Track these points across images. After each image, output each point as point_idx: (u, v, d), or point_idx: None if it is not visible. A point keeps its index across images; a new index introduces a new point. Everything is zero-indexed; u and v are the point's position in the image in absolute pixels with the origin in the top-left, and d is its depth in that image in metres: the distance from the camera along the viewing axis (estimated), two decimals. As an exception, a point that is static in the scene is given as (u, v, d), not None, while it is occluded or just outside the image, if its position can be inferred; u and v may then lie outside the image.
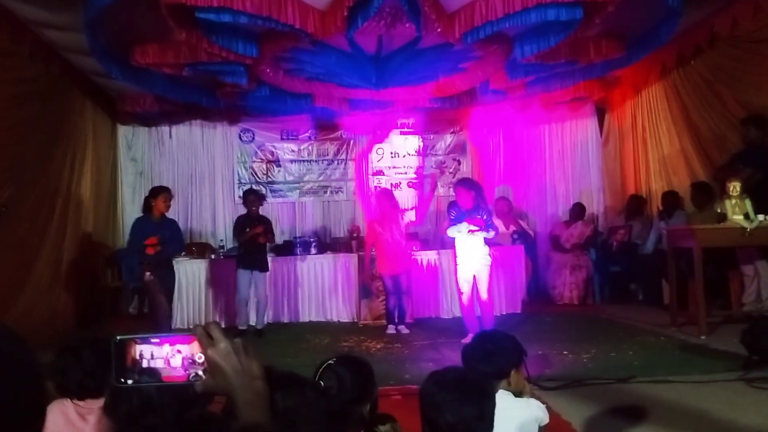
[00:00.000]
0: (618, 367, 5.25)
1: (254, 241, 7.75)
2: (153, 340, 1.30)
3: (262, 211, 8.21)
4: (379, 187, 10.63)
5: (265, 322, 8.03)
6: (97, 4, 5.59)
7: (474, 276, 6.69)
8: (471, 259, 6.68)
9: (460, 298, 6.90)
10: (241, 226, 7.84)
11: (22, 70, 6.87)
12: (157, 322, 6.63)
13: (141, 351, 1.30)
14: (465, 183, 7.09)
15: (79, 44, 6.86)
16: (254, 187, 10.33)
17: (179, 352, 1.30)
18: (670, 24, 6.69)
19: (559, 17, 6.06)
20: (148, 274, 6.53)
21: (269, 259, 8.17)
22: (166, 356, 1.30)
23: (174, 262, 7.24)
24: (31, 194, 7.18)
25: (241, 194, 10.42)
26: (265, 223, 7.95)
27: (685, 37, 7.56)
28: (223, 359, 1.16)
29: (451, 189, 10.55)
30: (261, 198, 8.46)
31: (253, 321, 7.98)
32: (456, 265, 6.91)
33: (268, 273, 8.08)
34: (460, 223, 6.66)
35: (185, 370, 1.29)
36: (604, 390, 4.63)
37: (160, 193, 6.80)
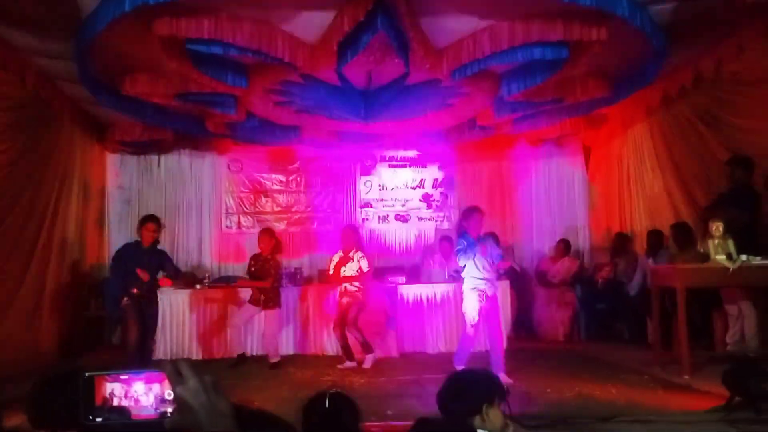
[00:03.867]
0: (601, 406, 5.22)
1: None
2: (123, 377, 1.29)
3: (250, 241, 8.18)
4: (367, 219, 10.67)
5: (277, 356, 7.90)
6: (88, 33, 5.64)
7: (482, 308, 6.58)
8: (485, 288, 6.57)
9: (465, 330, 6.72)
10: None
11: (11, 97, 6.86)
12: (127, 352, 6.58)
13: (111, 389, 1.29)
14: (479, 211, 6.77)
15: (69, 72, 6.90)
16: (241, 217, 10.37)
17: (150, 389, 1.30)
18: (655, 64, 6.80)
19: (545, 56, 6.17)
20: (125, 299, 6.50)
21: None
22: (136, 394, 1.29)
23: (159, 292, 7.20)
24: (16, 221, 7.12)
25: (228, 224, 10.47)
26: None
27: (670, 77, 7.67)
28: (192, 397, 1.15)
29: (438, 222, 10.68)
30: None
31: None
32: (462, 294, 6.71)
33: (277, 310, 7.98)
34: (472, 251, 6.51)
35: (155, 408, 1.29)
36: (586, 429, 4.60)
37: (145, 222, 6.80)
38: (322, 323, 8.59)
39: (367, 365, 7.45)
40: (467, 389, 2.49)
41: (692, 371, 6.20)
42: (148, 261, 6.70)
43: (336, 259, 7.73)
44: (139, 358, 6.55)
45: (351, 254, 7.65)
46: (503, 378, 6.17)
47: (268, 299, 7.82)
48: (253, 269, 7.91)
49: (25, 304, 7.36)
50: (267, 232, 8.09)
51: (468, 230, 6.63)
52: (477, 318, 6.53)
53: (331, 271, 7.78)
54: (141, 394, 1.31)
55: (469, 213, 6.77)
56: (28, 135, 7.29)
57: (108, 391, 1.32)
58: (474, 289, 6.57)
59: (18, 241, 7.22)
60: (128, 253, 6.73)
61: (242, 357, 7.93)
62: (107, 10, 5.30)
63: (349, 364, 7.52)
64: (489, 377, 2.65)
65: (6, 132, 6.86)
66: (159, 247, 7.01)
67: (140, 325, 6.60)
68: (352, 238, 7.77)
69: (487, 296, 6.55)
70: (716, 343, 7.23)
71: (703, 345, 7.24)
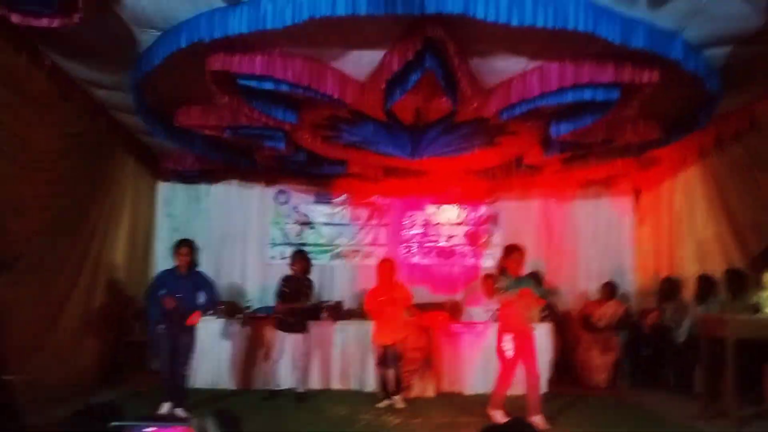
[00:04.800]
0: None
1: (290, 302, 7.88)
2: (147, 429, 1.30)
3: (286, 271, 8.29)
4: (410, 254, 10.64)
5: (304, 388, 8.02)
6: (144, 67, 5.81)
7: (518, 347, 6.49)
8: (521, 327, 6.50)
9: (504, 370, 6.58)
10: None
11: (68, 125, 7.09)
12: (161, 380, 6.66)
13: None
14: (519, 250, 6.72)
15: (125, 103, 7.12)
16: (286, 248, 10.44)
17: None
18: (709, 107, 6.67)
19: (595, 97, 6.10)
20: (160, 326, 6.58)
21: None
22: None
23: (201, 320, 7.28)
24: (64, 245, 7.30)
25: (272, 255, 10.55)
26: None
27: (724, 120, 7.51)
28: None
29: (483, 260, 10.57)
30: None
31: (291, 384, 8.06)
32: (501, 334, 6.61)
33: (305, 334, 8.06)
34: (512, 290, 6.47)
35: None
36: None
37: (178, 247, 6.89)
38: (360, 358, 8.54)
39: (401, 404, 7.40)
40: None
41: (739, 426, 5.97)
42: (185, 286, 6.76)
43: (378, 291, 7.71)
44: (169, 385, 6.60)
45: (396, 291, 7.63)
46: (538, 421, 6.06)
47: (297, 322, 7.90)
48: (286, 290, 7.97)
49: (68, 327, 7.47)
50: (300, 254, 8.30)
51: (508, 269, 6.57)
52: (512, 355, 6.42)
53: (371, 302, 7.70)
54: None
55: (509, 251, 6.72)
56: (83, 162, 7.51)
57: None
58: (509, 328, 6.49)
59: (66, 264, 7.38)
60: (165, 280, 6.82)
61: (275, 392, 7.97)
62: (164, 45, 5.47)
63: (388, 401, 7.45)
64: (522, 430, 2.57)
65: (63, 159, 7.08)
66: (198, 269, 7.07)
67: (170, 352, 6.65)
68: (393, 269, 7.75)
69: (523, 336, 6.44)
70: (766, 398, 6.95)
71: (752, 399, 6.97)
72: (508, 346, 6.46)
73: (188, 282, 6.80)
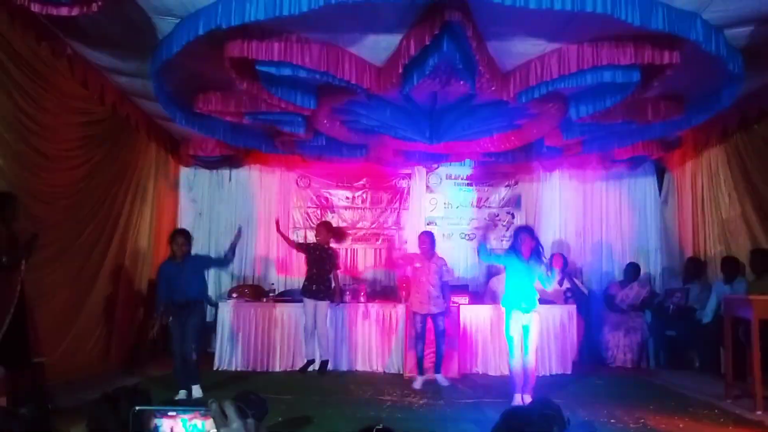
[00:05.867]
0: (666, 440, 5.06)
1: (316, 270, 8.25)
2: (170, 414, 1.34)
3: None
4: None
5: (324, 358, 8.27)
6: (164, 54, 5.85)
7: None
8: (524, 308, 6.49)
9: (511, 353, 6.61)
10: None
11: (90, 113, 7.20)
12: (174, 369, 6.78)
13: (160, 424, 1.34)
14: (529, 231, 6.76)
15: (146, 90, 7.18)
16: (308, 232, 10.49)
17: (197, 426, 1.34)
18: (732, 87, 6.56)
19: (615, 79, 6.04)
20: (170, 318, 6.68)
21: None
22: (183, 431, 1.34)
23: (220, 302, 7.43)
24: (89, 232, 7.43)
25: (295, 238, 10.63)
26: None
27: (748, 99, 7.39)
28: (234, 439, 1.19)
29: (503, 242, 10.52)
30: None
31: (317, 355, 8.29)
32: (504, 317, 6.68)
33: (329, 303, 8.35)
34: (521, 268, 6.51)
35: (200, 445, 1.33)
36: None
37: (174, 237, 6.94)
38: (383, 340, 8.62)
39: (446, 382, 7.51)
40: (521, 429, 2.43)
41: (765, 407, 5.95)
42: (184, 273, 6.76)
43: (416, 257, 7.77)
44: (180, 369, 6.70)
45: (433, 260, 7.66)
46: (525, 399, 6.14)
47: (322, 290, 8.20)
48: (318, 256, 8.36)
49: (94, 312, 7.63)
50: (323, 224, 8.79)
51: (519, 250, 6.55)
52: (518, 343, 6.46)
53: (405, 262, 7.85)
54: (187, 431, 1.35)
55: (520, 232, 6.72)
56: (105, 149, 7.63)
57: (155, 425, 1.36)
58: (513, 309, 6.50)
59: (91, 250, 7.51)
60: (167, 270, 6.85)
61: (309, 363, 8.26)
62: (182, 32, 5.49)
63: (420, 382, 7.49)
64: (543, 412, 2.59)
65: (85, 146, 7.20)
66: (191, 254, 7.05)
67: (181, 339, 6.74)
68: (433, 241, 7.77)
69: (526, 317, 6.48)
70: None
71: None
72: (516, 328, 6.50)
73: (186, 269, 6.81)
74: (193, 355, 6.63)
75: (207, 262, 7.51)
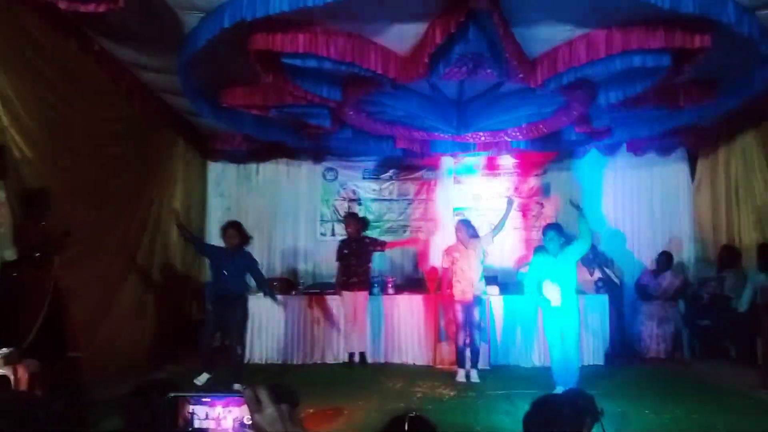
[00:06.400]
0: (701, 431, 4.97)
1: (355, 261, 8.30)
2: (205, 400, 1.33)
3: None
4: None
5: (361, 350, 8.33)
6: (190, 49, 5.88)
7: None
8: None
9: (551, 345, 6.71)
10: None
11: (118, 109, 7.25)
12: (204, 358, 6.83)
13: (194, 410, 1.33)
14: (557, 228, 6.82)
15: (173, 85, 7.21)
16: (335, 225, 10.50)
17: (230, 413, 1.33)
18: (765, 71, 6.41)
19: (645, 64, 5.93)
20: (209, 308, 6.76)
21: None
22: (218, 417, 1.33)
23: (255, 297, 7.47)
24: (120, 227, 7.50)
25: (323, 231, 10.66)
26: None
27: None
28: (268, 425, 1.18)
29: (534, 232, 10.42)
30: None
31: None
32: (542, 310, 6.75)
33: (367, 294, 8.42)
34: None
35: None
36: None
37: (225, 229, 7.11)
38: (413, 332, 8.60)
39: (477, 379, 7.40)
40: (555, 420, 2.37)
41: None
42: (231, 264, 6.91)
43: (454, 248, 7.69)
44: (207, 361, 6.76)
45: (471, 248, 7.56)
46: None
47: (359, 282, 8.23)
48: (346, 251, 8.40)
49: (126, 305, 7.69)
50: (351, 216, 8.96)
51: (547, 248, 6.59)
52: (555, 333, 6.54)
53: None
54: (221, 417, 1.35)
55: (543, 231, 6.89)
56: (134, 145, 7.69)
57: (190, 411, 1.36)
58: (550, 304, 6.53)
59: (122, 245, 7.58)
60: (215, 251, 7.10)
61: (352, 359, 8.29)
62: (208, 26, 5.51)
63: (464, 374, 7.43)
64: (576, 402, 2.52)
65: (114, 142, 7.27)
66: (245, 249, 7.20)
67: (217, 329, 6.78)
68: (468, 228, 7.68)
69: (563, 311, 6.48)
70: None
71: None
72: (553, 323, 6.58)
73: (235, 261, 6.92)
74: (239, 350, 6.70)
75: (252, 268, 7.27)
